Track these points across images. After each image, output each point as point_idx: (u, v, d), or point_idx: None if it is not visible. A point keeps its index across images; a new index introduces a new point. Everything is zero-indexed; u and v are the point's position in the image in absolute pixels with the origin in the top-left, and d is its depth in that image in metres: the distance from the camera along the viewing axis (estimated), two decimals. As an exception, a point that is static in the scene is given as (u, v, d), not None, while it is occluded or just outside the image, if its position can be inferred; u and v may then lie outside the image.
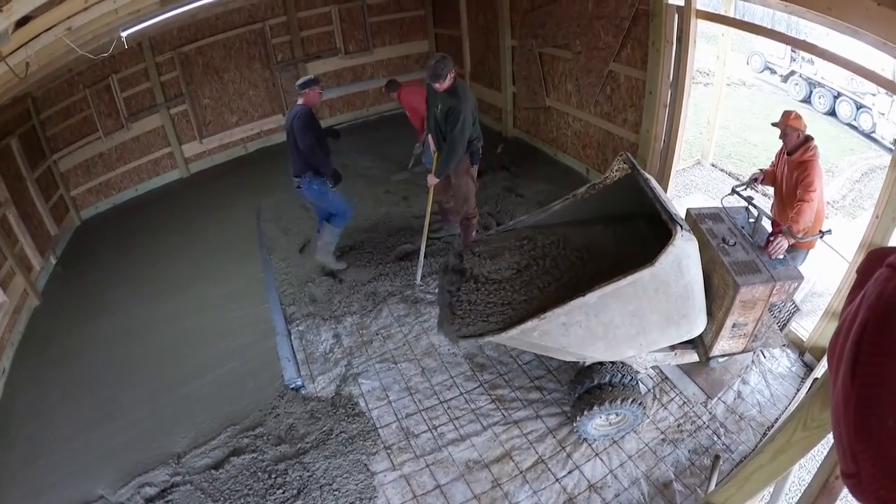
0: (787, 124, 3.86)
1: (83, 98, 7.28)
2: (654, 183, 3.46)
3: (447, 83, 4.59)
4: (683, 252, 2.91)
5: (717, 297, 3.36)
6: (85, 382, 4.79)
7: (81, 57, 4.15)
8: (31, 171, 6.57)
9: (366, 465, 3.81)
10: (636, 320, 3.18)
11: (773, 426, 3.87)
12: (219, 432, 4.13)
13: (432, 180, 5.11)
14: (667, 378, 4.26)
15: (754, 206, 3.67)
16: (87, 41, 4.27)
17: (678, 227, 2.88)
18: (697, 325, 3.31)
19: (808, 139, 3.87)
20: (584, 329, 3.21)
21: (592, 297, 3.03)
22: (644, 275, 2.91)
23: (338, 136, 5.59)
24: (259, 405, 4.32)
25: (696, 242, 2.95)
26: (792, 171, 3.94)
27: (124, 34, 4.33)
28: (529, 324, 3.21)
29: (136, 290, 5.94)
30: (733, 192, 3.87)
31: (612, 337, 3.27)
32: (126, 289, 6.00)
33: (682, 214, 3.84)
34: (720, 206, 3.79)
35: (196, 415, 4.30)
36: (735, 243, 3.40)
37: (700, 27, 4.95)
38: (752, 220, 3.62)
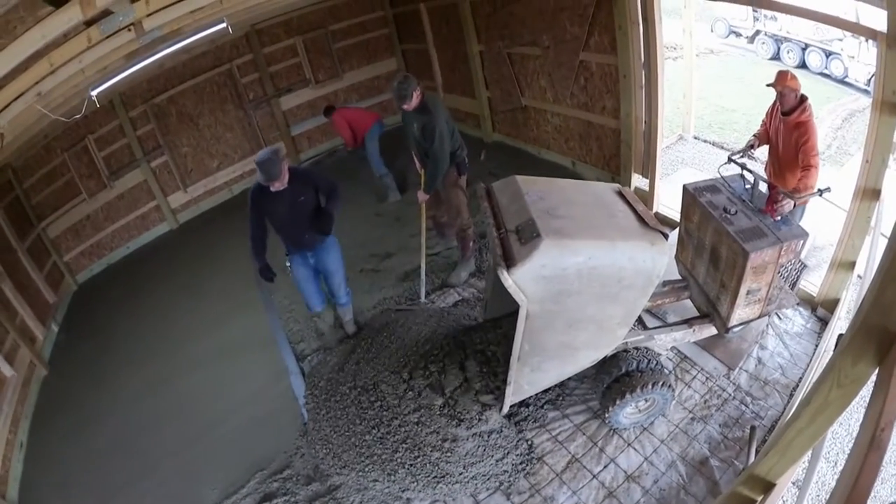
0: (785, 85, 3.84)
1: (62, 162, 7.22)
2: (514, 196, 3.31)
3: (415, 102, 4.58)
4: (531, 271, 2.82)
5: (728, 267, 3.34)
6: (104, 447, 4.71)
7: (55, 121, 4.12)
8: (20, 242, 6.50)
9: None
10: (581, 323, 3.16)
11: (797, 386, 3.86)
12: (247, 479, 4.05)
13: (422, 197, 5.08)
14: (686, 357, 4.24)
15: (749, 171, 3.66)
16: (59, 105, 4.23)
17: (500, 269, 2.81)
18: (641, 253, 3.00)
19: (804, 99, 3.87)
20: (552, 359, 3.24)
21: (521, 347, 3.06)
22: (527, 311, 2.93)
23: (269, 278, 4.49)
24: (283, 447, 4.25)
25: (535, 248, 2.82)
26: (790, 132, 3.93)
27: (94, 93, 4.29)
28: (509, 390, 3.29)
29: (141, 349, 5.87)
30: (729, 160, 3.88)
31: (581, 343, 3.26)
32: (131, 348, 5.92)
33: (680, 191, 3.84)
34: (717, 176, 3.76)
35: (222, 465, 4.22)
36: (736, 211, 3.38)
37: (663, 3, 4.94)
38: (748, 186, 3.61)
